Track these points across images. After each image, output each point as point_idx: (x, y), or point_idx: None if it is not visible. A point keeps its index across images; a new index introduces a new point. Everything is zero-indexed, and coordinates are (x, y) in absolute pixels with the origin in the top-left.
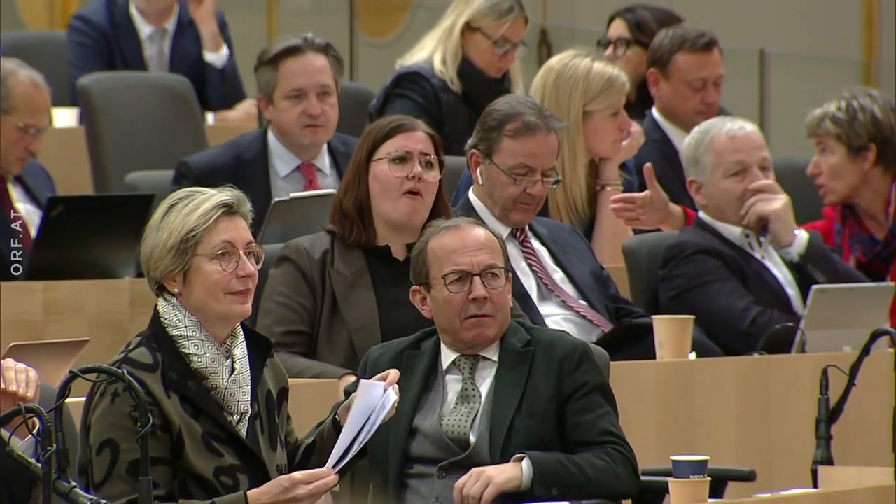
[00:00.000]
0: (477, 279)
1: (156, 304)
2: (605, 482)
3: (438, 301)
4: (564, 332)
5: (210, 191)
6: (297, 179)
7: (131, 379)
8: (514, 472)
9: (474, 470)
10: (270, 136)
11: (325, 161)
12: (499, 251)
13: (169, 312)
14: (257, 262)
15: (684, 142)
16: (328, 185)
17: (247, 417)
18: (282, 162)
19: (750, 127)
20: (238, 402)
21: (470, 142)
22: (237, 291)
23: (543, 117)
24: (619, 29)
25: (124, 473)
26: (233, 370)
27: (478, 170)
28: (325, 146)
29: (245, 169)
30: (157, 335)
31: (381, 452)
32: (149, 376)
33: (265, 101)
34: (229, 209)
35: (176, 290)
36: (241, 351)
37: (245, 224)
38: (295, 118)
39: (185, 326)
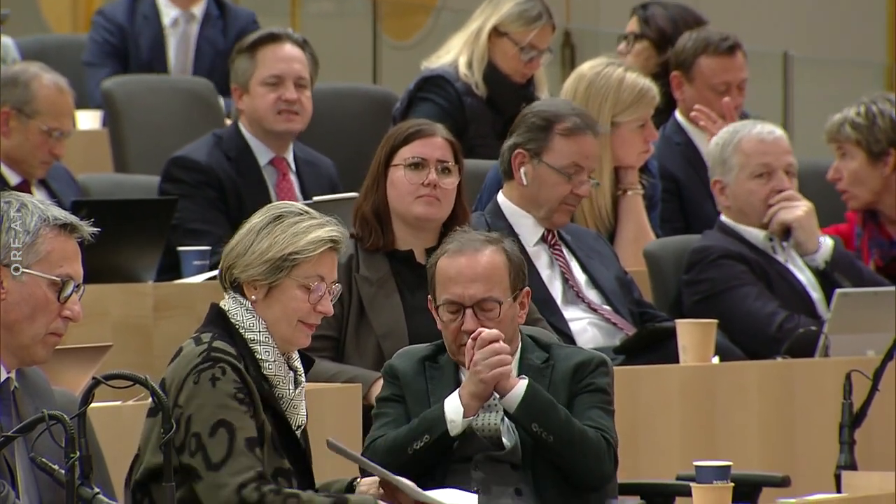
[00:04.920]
0: (469, 311)
1: (218, 304)
2: (589, 453)
3: (440, 324)
4: (582, 348)
5: (320, 217)
6: (270, 173)
7: (155, 386)
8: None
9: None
10: (243, 130)
11: (291, 158)
12: (499, 277)
13: (241, 314)
14: (334, 299)
15: (711, 142)
16: (294, 182)
17: (300, 430)
18: (258, 155)
19: (779, 132)
20: (297, 415)
21: (511, 142)
22: (309, 323)
23: (589, 119)
24: (632, 25)
25: (245, 449)
26: (297, 382)
27: (522, 169)
28: (291, 146)
29: (239, 167)
30: (231, 333)
31: None
32: (239, 364)
33: (240, 91)
34: (335, 246)
35: (253, 297)
36: (300, 365)
37: (336, 262)
38: (271, 103)
39: (259, 331)
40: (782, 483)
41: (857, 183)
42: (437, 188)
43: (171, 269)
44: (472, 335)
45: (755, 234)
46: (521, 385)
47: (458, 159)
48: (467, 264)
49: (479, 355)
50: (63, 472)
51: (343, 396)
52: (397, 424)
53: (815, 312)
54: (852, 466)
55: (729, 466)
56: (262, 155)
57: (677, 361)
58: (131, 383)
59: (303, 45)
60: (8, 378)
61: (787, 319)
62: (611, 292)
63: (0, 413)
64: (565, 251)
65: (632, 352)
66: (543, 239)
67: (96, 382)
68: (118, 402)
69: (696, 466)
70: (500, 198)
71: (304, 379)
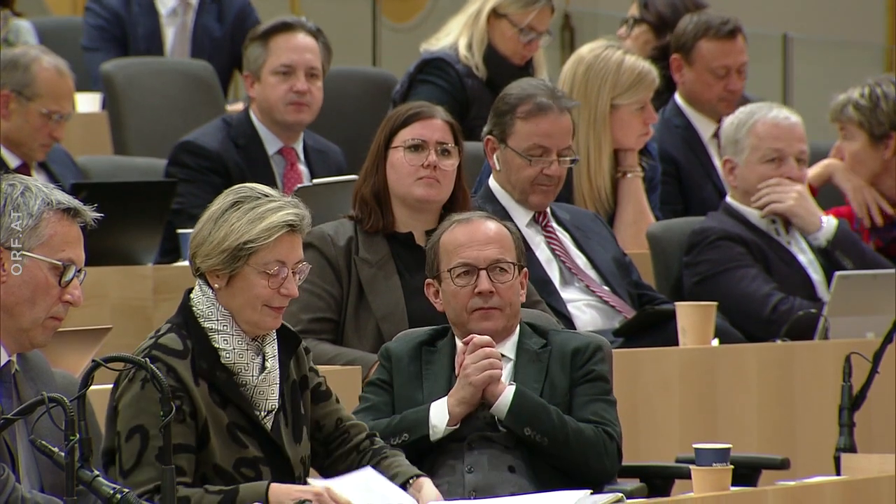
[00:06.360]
0: (483, 273)
1: (187, 291)
2: (588, 452)
3: (447, 294)
4: (578, 332)
5: (279, 198)
6: (277, 162)
7: (154, 368)
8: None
9: (483, 351)
10: (254, 118)
11: (300, 148)
12: (509, 245)
13: (202, 303)
14: (301, 279)
15: (727, 120)
16: (303, 172)
17: (273, 413)
18: (266, 144)
19: (795, 118)
20: (266, 399)
21: (485, 129)
22: (275, 307)
23: (556, 97)
24: (632, 9)
25: (154, 460)
26: (263, 368)
27: (494, 155)
28: (301, 135)
29: (247, 154)
30: (188, 323)
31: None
32: (179, 363)
33: (252, 78)
34: (293, 228)
35: (217, 286)
36: (272, 348)
37: (300, 241)
38: (281, 94)
39: (217, 320)
40: (782, 465)
41: (857, 164)
42: (437, 170)
43: (171, 251)
44: (464, 339)
45: (758, 216)
46: (509, 391)
47: (458, 141)
48: (479, 229)
49: (470, 359)
50: (63, 454)
51: (342, 379)
52: (377, 413)
53: (815, 294)
54: (852, 449)
55: (728, 449)
56: (271, 144)
57: (677, 344)
58: (131, 366)
59: (316, 34)
60: (9, 361)
61: (781, 301)
62: (608, 273)
63: (1, 396)
64: (560, 231)
65: (631, 334)
66: (535, 220)
67: (96, 365)
68: None
69: (696, 449)
70: (491, 181)
71: (270, 364)
